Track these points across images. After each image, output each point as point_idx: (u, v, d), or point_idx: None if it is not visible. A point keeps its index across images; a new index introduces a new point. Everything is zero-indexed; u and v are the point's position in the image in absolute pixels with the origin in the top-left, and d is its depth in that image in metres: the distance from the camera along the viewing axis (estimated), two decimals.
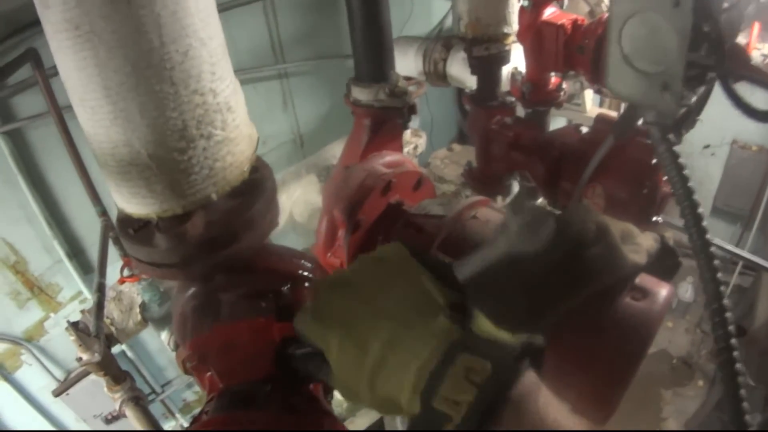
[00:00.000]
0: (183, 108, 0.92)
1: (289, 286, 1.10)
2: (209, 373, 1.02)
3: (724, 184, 6.74)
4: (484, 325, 0.76)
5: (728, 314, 1.07)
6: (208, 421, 0.91)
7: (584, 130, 2.05)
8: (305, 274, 1.15)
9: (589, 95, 4.43)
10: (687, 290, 6.77)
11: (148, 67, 0.87)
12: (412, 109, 1.71)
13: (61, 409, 4.21)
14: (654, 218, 1.88)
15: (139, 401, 2.57)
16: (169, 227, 1.00)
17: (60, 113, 2.78)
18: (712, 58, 1.04)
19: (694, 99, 1.13)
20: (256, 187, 1.07)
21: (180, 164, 0.95)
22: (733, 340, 1.06)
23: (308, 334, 0.85)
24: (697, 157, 6.63)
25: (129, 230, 1.06)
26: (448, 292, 0.82)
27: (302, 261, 1.18)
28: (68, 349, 3.87)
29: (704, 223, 1.07)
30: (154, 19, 0.85)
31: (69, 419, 4.34)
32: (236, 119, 1.01)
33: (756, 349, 5.12)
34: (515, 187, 2.64)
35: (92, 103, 0.90)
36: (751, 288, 6.03)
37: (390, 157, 1.62)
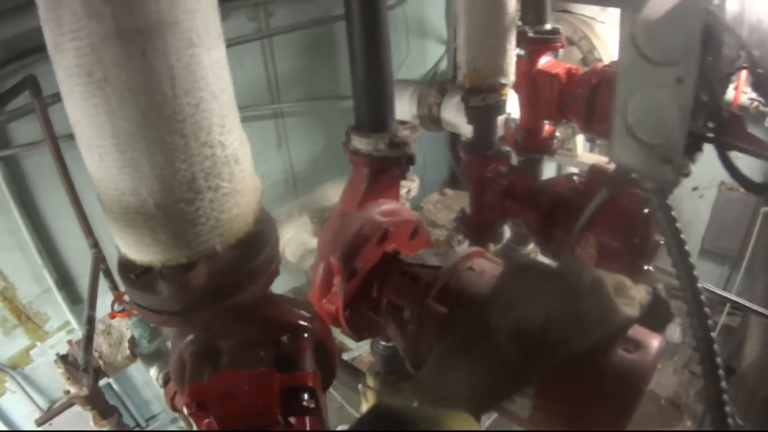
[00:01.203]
0: (192, 160, 0.92)
1: (288, 336, 1.11)
2: (208, 420, 1.01)
3: (712, 225, 6.80)
4: None
5: (718, 360, 1.09)
6: None
7: (577, 179, 2.08)
8: (304, 324, 1.16)
9: (581, 140, 4.49)
10: (675, 331, 6.78)
11: (159, 118, 0.87)
12: (410, 160, 1.72)
13: None
14: (645, 267, 1.91)
15: None
16: (172, 276, 1.00)
17: (56, 142, 2.78)
18: (710, 129, 1.08)
19: (692, 167, 1.17)
20: (260, 238, 1.08)
21: (187, 215, 0.95)
22: (723, 383, 1.08)
23: None
24: (685, 198, 6.70)
25: (131, 275, 1.06)
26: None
27: (301, 311, 1.19)
28: (53, 378, 3.82)
29: (698, 284, 1.10)
30: (168, 70, 0.85)
31: None
32: (243, 171, 1.02)
33: (744, 389, 5.12)
34: (507, 234, 2.67)
35: (100, 150, 0.90)
36: (739, 328, 6.05)
37: (387, 205, 1.64)
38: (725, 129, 1.14)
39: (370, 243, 1.48)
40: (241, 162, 1.02)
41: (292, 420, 1.00)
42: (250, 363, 1.04)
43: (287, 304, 1.20)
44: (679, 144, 1.07)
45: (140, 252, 1.01)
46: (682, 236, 1.11)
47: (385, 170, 1.72)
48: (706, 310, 1.11)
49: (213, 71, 0.92)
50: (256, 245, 1.07)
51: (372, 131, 1.69)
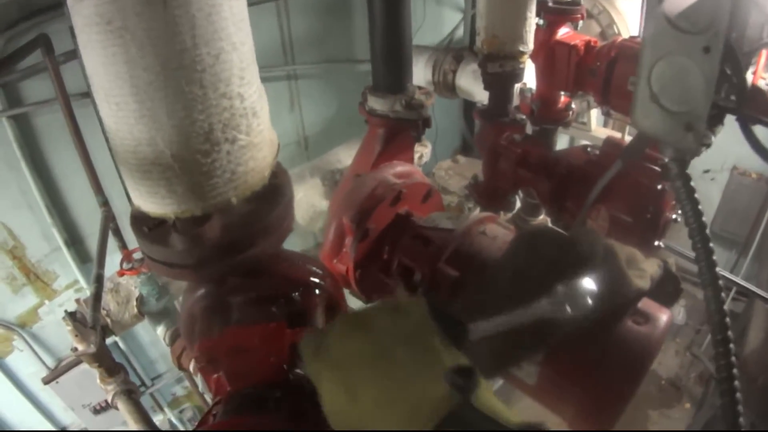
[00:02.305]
0: (210, 111, 0.92)
1: (299, 292, 1.11)
2: (217, 375, 1.02)
3: (722, 209, 6.78)
4: (484, 396, 0.74)
5: (731, 346, 1.09)
6: (217, 423, 0.92)
7: (591, 151, 2.06)
8: (316, 281, 1.16)
9: (595, 114, 4.45)
10: (679, 313, 6.79)
11: (178, 67, 0.86)
12: (426, 122, 1.72)
13: (49, 397, 4.19)
14: (656, 243, 1.90)
15: (131, 395, 2.56)
16: (186, 228, 1.00)
17: (68, 101, 2.77)
18: (734, 101, 1.06)
19: (713, 138, 1.15)
20: (275, 193, 1.07)
21: (203, 166, 0.95)
22: (735, 370, 1.08)
23: (306, 366, 0.86)
24: (697, 181, 6.65)
25: (144, 228, 1.06)
26: (458, 355, 0.81)
27: (314, 268, 1.19)
28: (61, 337, 3.87)
29: (714, 257, 1.09)
30: (188, 19, 0.84)
31: (57, 407, 4.33)
32: (261, 124, 1.02)
33: (745, 375, 5.14)
34: (518, 203, 2.66)
35: (118, 100, 0.89)
36: (743, 314, 6.05)
37: (401, 167, 1.63)
38: (748, 102, 1.12)
39: (383, 204, 1.47)
40: (259, 115, 1.01)
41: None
42: (261, 319, 1.04)
43: (300, 261, 1.20)
44: (703, 112, 1.05)
45: (155, 203, 1.01)
46: (700, 207, 1.10)
47: (400, 132, 1.71)
48: (721, 282, 1.10)
49: (233, 22, 0.92)
50: (271, 200, 1.06)
51: (389, 92, 1.68)
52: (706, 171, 6.69)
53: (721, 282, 1.11)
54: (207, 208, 0.99)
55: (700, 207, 1.12)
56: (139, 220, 1.07)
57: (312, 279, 1.15)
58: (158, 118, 0.90)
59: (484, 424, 0.70)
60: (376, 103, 1.70)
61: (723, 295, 1.10)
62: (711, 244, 1.11)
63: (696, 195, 1.12)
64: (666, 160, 1.16)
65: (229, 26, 0.90)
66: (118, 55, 0.84)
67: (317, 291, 1.14)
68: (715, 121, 1.13)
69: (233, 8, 0.91)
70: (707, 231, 1.11)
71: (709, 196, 6.76)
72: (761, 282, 5.71)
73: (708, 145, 1.14)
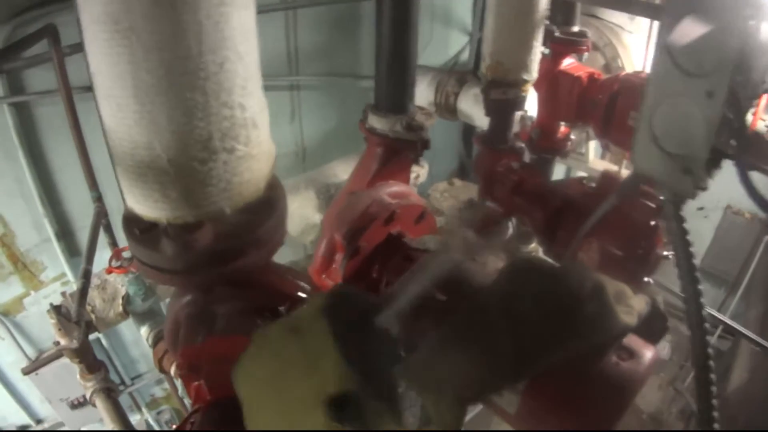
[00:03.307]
0: (210, 119, 0.92)
1: (285, 306, 1.11)
2: (198, 383, 1.01)
3: (713, 247, 6.79)
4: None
5: (713, 388, 1.09)
6: None
7: (588, 184, 2.07)
8: (303, 295, 1.15)
9: (593, 146, 4.47)
10: (664, 348, 6.78)
11: (182, 73, 0.86)
12: (425, 144, 1.72)
13: (28, 387, 4.15)
14: (645, 279, 1.90)
15: (110, 393, 2.55)
16: (177, 234, 1.00)
17: (70, 93, 2.77)
18: (734, 147, 1.07)
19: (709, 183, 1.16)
20: (269, 206, 1.07)
21: (198, 174, 0.95)
22: (716, 413, 1.08)
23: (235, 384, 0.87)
24: (690, 217, 6.67)
25: (135, 230, 1.06)
26: (349, 379, 0.79)
27: (301, 283, 1.19)
28: (43, 328, 3.83)
29: (702, 299, 1.09)
30: (196, 26, 0.84)
31: (34, 398, 4.28)
32: (260, 136, 1.02)
33: (727, 413, 5.14)
34: (510, 229, 2.66)
35: (119, 101, 0.90)
36: (728, 352, 6.05)
37: (396, 187, 1.63)
38: (747, 148, 1.13)
39: (376, 223, 1.47)
40: (259, 127, 1.01)
41: None
42: (246, 330, 1.04)
43: (288, 274, 1.19)
44: (702, 157, 1.06)
45: (148, 207, 1.01)
46: (692, 249, 1.11)
47: (398, 152, 1.71)
48: (707, 325, 1.10)
49: (241, 32, 0.92)
50: (264, 212, 1.06)
51: (390, 112, 1.68)
52: (700, 208, 6.70)
53: (707, 324, 1.11)
54: (200, 216, 0.99)
55: (691, 249, 1.12)
56: (131, 221, 1.07)
57: (298, 293, 1.15)
58: (158, 122, 0.90)
59: None
60: (376, 122, 1.70)
61: (708, 338, 1.10)
62: (700, 287, 1.11)
63: (688, 237, 1.12)
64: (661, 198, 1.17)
65: (236, 36, 0.90)
66: (122, 56, 0.85)
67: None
68: (712, 164, 1.13)
69: (242, 18, 0.91)
70: (697, 273, 1.11)
71: (702, 233, 6.77)
72: (748, 321, 5.70)
73: (704, 189, 1.14)
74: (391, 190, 1.60)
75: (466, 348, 0.91)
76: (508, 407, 1.12)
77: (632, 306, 1.07)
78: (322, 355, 0.81)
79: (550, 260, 1.62)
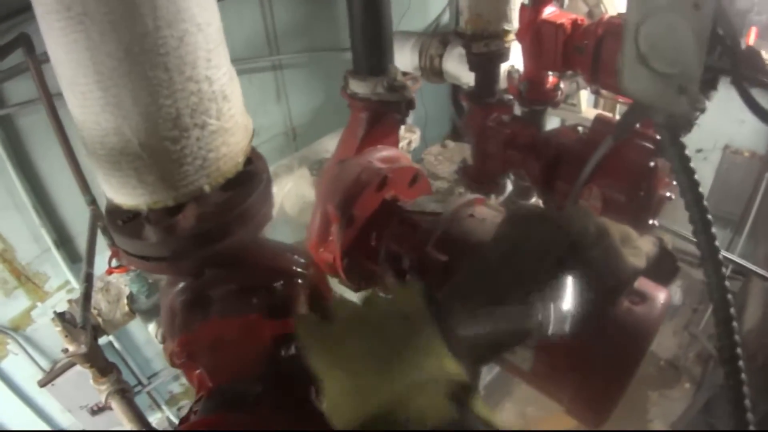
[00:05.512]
0: (177, 96, 0.88)
1: (281, 282, 1.08)
2: (198, 371, 0.99)
3: (716, 189, 6.76)
4: (477, 405, 0.74)
5: (734, 324, 1.06)
6: (197, 421, 0.89)
7: (581, 130, 2.03)
8: (298, 270, 1.12)
9: (585, 95, 4.42)
10: (675, 293, 6.78)
11: (141, 51, 0.83)
12: (410, 104, 1.68)
13: (46, 400, 4.16)
14: (650, 221, 1.87)
15: (125, 394, 2.54)
16: (159, 219, 0.97)
17: (51, 100, 2.74)
18: (727, 62, 1.02)
19: (707, 103, 1.11)
20: (250, 179, 1.04)
21: (172, 154, 0.91)
22: (739, 349, 1.05)
23: (311, 362, 0.82)
24: None
25: (117, 221, 1.03)
26: (457, 365, 0.79)
27: (295, 257, 1.15)
28: (55, 338, 3.80)
29: (713, 230, 1.05)
30: (149, 1, 0.81)
31: (55, 410, 4.29)
32: (232, 108, 0.98)
33: (745, 353, 5.14)
34: (509, 186, 2.63)
35: (83, 89, 0.86)
36: (740, 293, 6.05)
37: (386, 152, 1.60)
38: (743, 63, 1.08)
39: (369, 189, 1.44)
40: (230, 99, 0.97)
41: None
42: (241, 311, 1.01)
43: (280, 250, 1.16)
44: (696, 73, 1.01)
45: (126, 195, 0.98)
46: (696, 177, 1.06)
47: (384, 115, 1.67)
48: (720, 256, 1.06)
49: (197, 2, 0.88)
50: (247, 187, 1.03)
51: (370, 74, 1.64)
52: (699, 151, 6.66)
53: (720, 256, 1.07)
54: (180, 198, 0.96)
55: (696, 176, 1.08)
56: (113, 213, 1.05)
57: (293, 268, 1.12)
58: (124, 106, 0.87)
59: None
60: (357, 86, 1.66)
61: (724, 269, 1.07)
62: (709, 216, 1.07)
63: (691, 164, 1.08)
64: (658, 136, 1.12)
65: (192, 6, 0.87)
66: (79, 42, 0.82)
67: (299, 280, 1.10)
68: (709, 85, 1.08)
69: None
70: (704, 202, 1.07)
71: (702, 175, 6.66)
72: (757, 260, 5.68)
73: (702, 110, 1.09)
74: (380, 155, 1.57)
75: (471, 307, 0.89)
76: (523, 364, 1.09)
77: (639, 248, 1.04)
78: (434, 337, 0.81)
79: (549, 209, 1.59)
